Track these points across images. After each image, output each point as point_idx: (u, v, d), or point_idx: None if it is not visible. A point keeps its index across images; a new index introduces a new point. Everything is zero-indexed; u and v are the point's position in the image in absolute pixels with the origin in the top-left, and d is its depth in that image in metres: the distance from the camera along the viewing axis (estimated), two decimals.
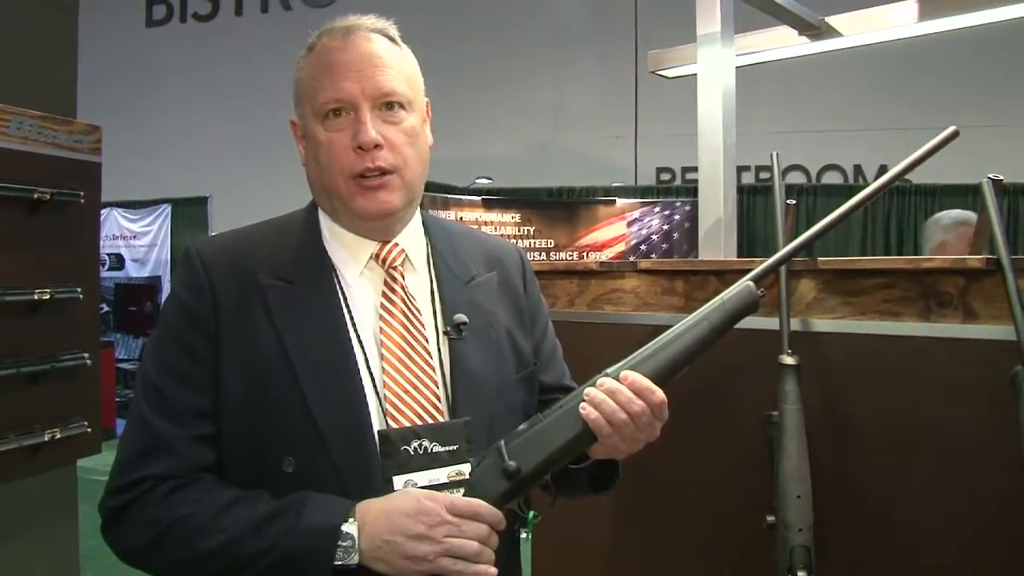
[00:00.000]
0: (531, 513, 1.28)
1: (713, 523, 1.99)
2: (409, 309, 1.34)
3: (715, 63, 2.15)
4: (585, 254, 8.86)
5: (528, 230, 9.15)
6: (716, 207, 2.09)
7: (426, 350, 1.33)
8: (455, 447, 1.29)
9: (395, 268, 1.36)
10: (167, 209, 10.63)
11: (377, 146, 1.30)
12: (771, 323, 1.84)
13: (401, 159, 1.33)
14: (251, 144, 11.17)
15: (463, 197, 9.18)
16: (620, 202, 9.20)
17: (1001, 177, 1.73)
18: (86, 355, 2.52)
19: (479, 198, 9.17)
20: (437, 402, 1.32)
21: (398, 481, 1.24)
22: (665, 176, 11.57)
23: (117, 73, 11.92)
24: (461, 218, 8.80)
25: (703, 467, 2.00)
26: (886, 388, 1.74)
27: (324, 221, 1.39)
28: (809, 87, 10.14)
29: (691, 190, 10.12)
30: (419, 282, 1.40)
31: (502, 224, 9.08)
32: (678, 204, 9.09)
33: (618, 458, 1.37)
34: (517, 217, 9.15)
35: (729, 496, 1.95)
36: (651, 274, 2.09)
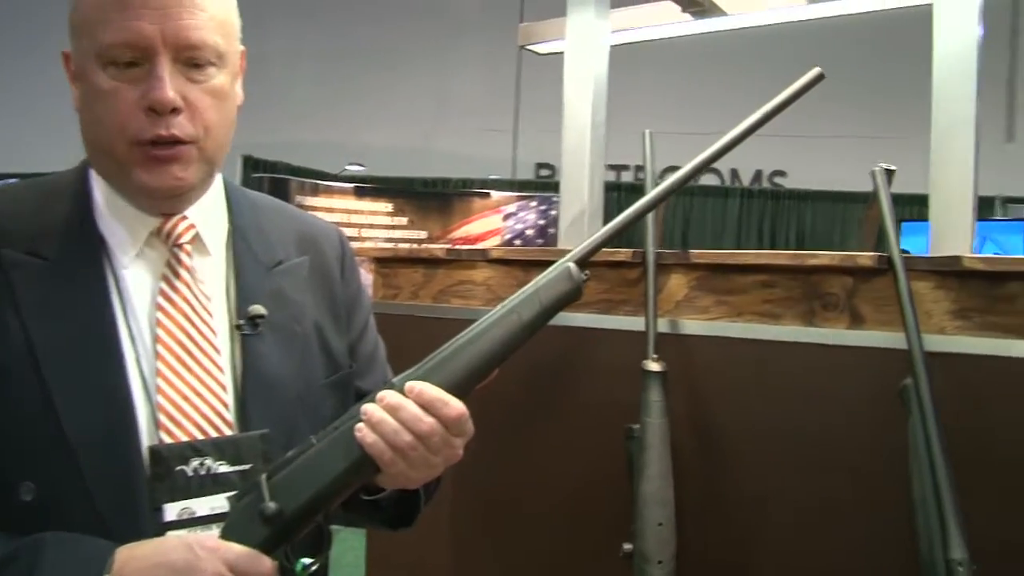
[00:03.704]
0: (299, 564, 1.04)
1: (566, 547, 1.76)
2: (195, 297, 1.14)
3: (585, 33, 1.93)
4: (459, 247, 8.68)
5: (401, 220, 9.00)
6: (579, 194, 1.88)
7: (213, 348, 1.13)
8: (247, 467, 1.09)
9: (181, 247, 1.15)
10: None
11: (175, 110, 1.06)
12: (636, 323, 1.62)
13: (202, 127, 1.09)
14: None
15: (333, 184, 8.99)
16: (496, 195, 9.09)
17: (894, 167, 1.54)
18: None
19: (350, 186, 8.99)
20: (224, 411, 1.11)
21: (171, 510, 1.04)
22: (544, 172, 11.55)
23: None
24: (331, 206, 8.58)
25: (558, 484, 1.76)
26: (764, 400, 1.53)
27: (98, 185, 1.15)
28: (690, 85, 10.20)
29: None
30: (211, 266, 1.19)
31: (374, 213, 8.94)
32: (555, 199, 8.99)
33: (411, 488, 1.15)
34: (390, 207, 9.01)
35: (586, 518, 1.72)
36: (504, 264, 1.84)
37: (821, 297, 1.51)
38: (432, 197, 9.30)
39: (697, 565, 1.51)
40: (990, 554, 1.28)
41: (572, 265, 1.06)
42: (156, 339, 1.09)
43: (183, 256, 1.14)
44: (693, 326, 1.62)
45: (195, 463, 1.06)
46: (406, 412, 1.01)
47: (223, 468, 1.08)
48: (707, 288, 1.61)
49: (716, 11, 2.25)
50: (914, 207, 9.24)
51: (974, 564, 1.25)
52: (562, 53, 2.12)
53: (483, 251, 1.88)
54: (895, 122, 8.96)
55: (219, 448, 1.08)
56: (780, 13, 2.29)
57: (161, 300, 1.11)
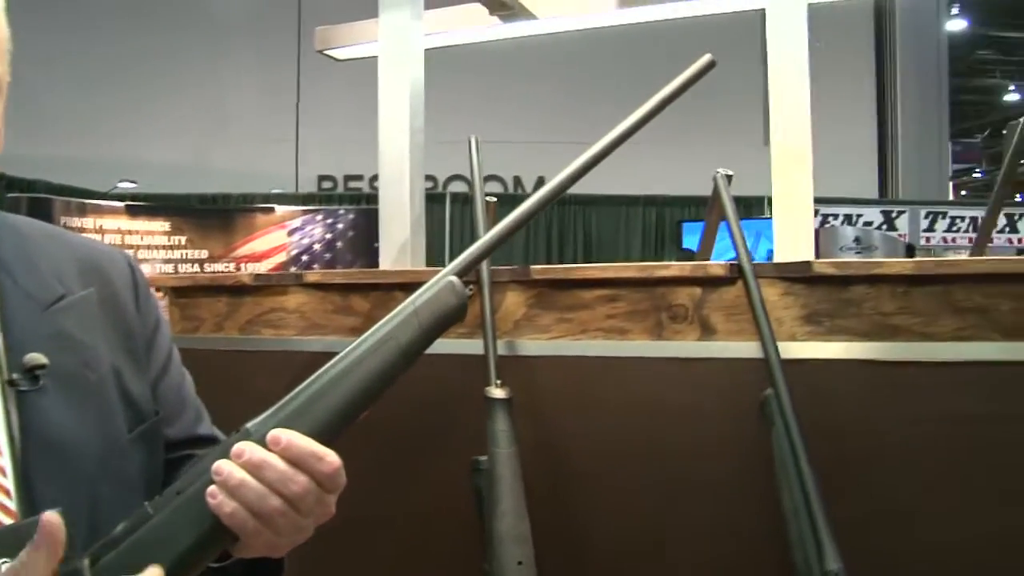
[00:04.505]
0: None
1: None
2: None
3: (400, 36, 1.81)
4: (243, 265, 8.32)
5: (179, 239, 8.59)
6: (401, 207, 1.75)
7: None
8: None
9: None
10: None
11: None
12: (475, 347, 1.49)
13: None
14: None
15: (103, 203, 8.45)
16: (280, 210, 8.80)
17: (731, 172, 1.50)
18: None
19: (122, 204, 8.47)
20: (1, 496, 0.89)
21: None
22: (327, 184, 11.33)
23: None
24: (101, 226, 8.05)
25: (405, 525, 1.61)
26: (617, 420, 1.44)
27: None
28: (501, 96, 10.24)
29: (354, 198, 9.93)
30: None
31: (149, 233, 8.49)
32: (341, 212, 8.82)
33: (276, 555, 0.95)
34: (167, 226, 8.58)
35: (438, 559, 1.57)
36: (320, 288, 1.67)
37: (669, 309, 1.44)
38: (212, 214, 8.93)
39: None
40: (859, 558, 1.24)
41: (454, 278, 0.92)
42: None
43: None
44: (535, 346, 1.50)
45: None
46: (272, 471, 0.84)
47: (7, 566, 0.86)
48: (547, 305, 1.50)
49: (526, 14, 2.16)
50: (691, 208, 9.69)
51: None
52: (363, 58, 1.98)
53: (296, 275, 1.70)
54: (674, 126, 9.32)
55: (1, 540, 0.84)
56: (589, 19, 2.24)
57: None
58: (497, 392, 1.40)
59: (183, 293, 1.85)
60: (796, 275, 1.37)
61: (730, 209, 1.42)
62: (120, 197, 8.86)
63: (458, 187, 10.17)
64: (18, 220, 1.10)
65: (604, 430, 1.45)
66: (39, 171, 8.59)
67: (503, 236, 0.96)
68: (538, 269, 1.49)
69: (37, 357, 0.95)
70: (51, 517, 0.74)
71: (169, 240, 8.52)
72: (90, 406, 0.99)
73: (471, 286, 0.94)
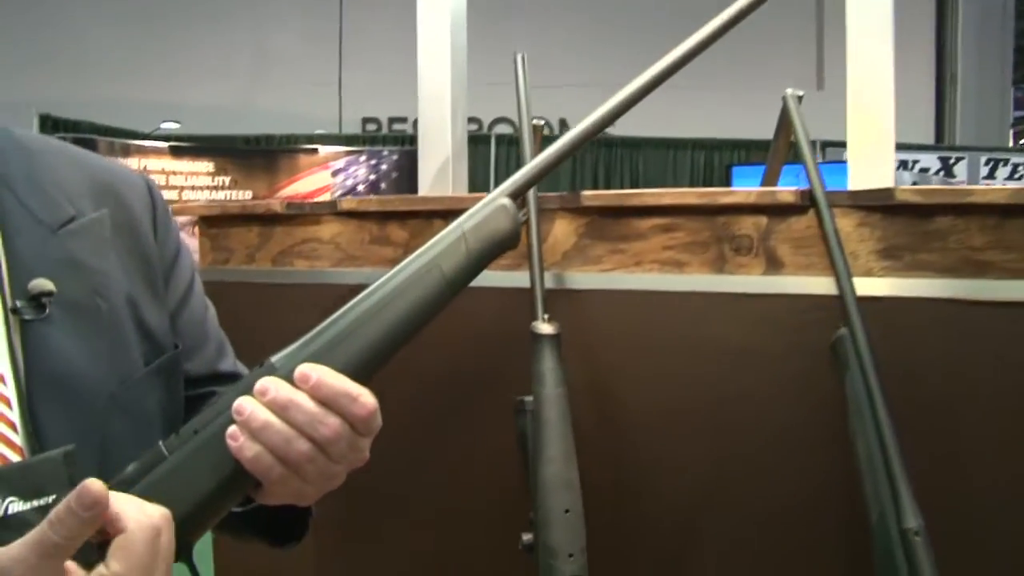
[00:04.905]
0: None
1: (457, 545, 1.52)
2: None
3: None
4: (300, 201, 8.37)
5: (223, 180, 8.60)
6: (441, 125, 1.64)
7: None
8: (50, 499, 0.77)
9: None
10: None
11: None
12: (519, 279, 1.38)
13: None
14: None
15: (147, 143, 8.47)
16: (323, 151, 8.76)
17: (802, 92, 1.36)
18: None
19: (166, 145, 8.47)
20: (7, 431, 0.83)
21: None
22: (371, 127, 11.23)
23: None
24: (145, 167, 8.04)
25: (435, 471, 1.52)
26: (672, 360, 1.33)
27: None
28: (548, 39, 10.07)
29: (398, 139, 9.83)
30: None
31: (194, 174, 8.52)
32: (385, 153, 8.76)
33: (304, 504, 0.88)
34: (211, 166, 8.59)
35: (477, 510, 1.48)
36: (356, 217, 1.57)
37: (731, 240, 1.32)
38: (256, 155, 8.92)
39: (607, 555, 1.30)
40: (939, 514, 1.13)
41: (506, 200, 0.82)
42: None
43: None
44: (585, 279, 1.39)
45: None
46: (300, 412, 0.75)
47: (16, 506, 0.77)
48: (599, 235, 1.39)
49: None
50: (741, 151, 9.49)
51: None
52: None
53: (331, 203, 1.59)
54: (724, 68, 9.08)
55: (4, 479, 0.78)
56: None
57: None
58: (544, 328, 1.29)
59: (213, 223, 1.76)
60: (875, 203, 1.25)
61: (801, 132, 1.30)
62: (164, 138, 8.88)
63: (503, 129, 10.04)
64: (26, 136, 1.02)
65: (659, 370, 1.34)
66: (84, 112, 8.61)
67: (558, 158, 0.87)
68: (589, 195, 1.38)
69: (43, 283, 0.88)
70: (94, 485, 0.67)
71: (213, 181, 8.54)
72: (101, 337, 0.91)
73: (524, 211, 0.86)
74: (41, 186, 0.95)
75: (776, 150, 1.45)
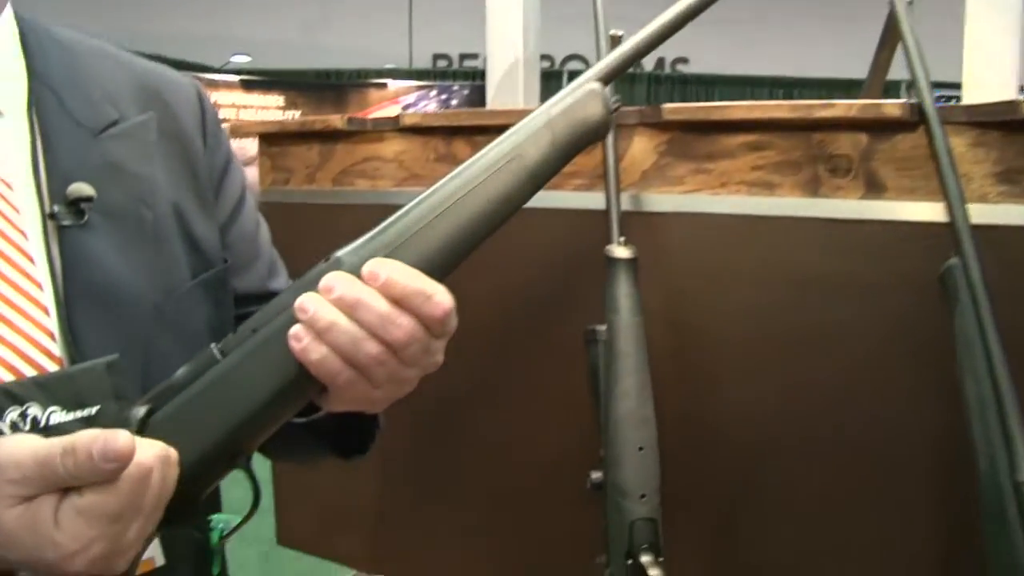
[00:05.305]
0: (215, 531, 0.80)
1: (509, 482, 1.45)
2: None
3: None
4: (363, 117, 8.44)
5: (293, 114, 8.65)
6: (512, 43, 1.51)
7: (23, 254, 0.81)
8: (93, 410, 0.74)
9: None
10: None
11: None
12: (593, 200, 1.29)
13: None
14: None
15: (217, 77, 8.55)
16: (393, 85, 8.74)
17: None
18: None
19: (236, 78, 8.54)
20: (45, 340, 0.79)
21: None
22: (442, 63, 11.14)
23: None
24: (216, 101, 8.07)
25: (499, 402, 1.45)
26: (758, 291, 1.22)
27: None
28: None
29: (468, 75, 9.74)
30: (6, 132, 0.86)
31: (264, 108, 8.63)
32: (455, 88, 8.72)
33: (372, 411, 0.83)
34: (281, 100, 8.68)
35: (537, 445, 1.41)
36: (420, 133, 1.48)
37: (828, 160, 1.20)
38: (326, 89, 8.97)
39: (675, 498, 1.21)
40: None
41: (598, 85, 0.74)
42: None
43: None
44: (665, 201, 1.29)
45: (12, 414, 0.73)
46: (370, 311, 0.69)
47: (58, 417, 0.74)
48: (681, 153, 1.28)
49: None
50: (823, 91, 9.18)
51: None
52: None
53: (394, 119, 1.50)
54: (795, 6, 8.77)
55: (46, 389, 0.74)
56: None
57: None
58: (620, 251, 1.20)
59: (273, 141, 1.69)
60: (993, 119, 1.11)
61: (911, 39, 1.16)
62: (235, 72, 8.93)
63: (575, 66, 9.87)
64: (68, 35, 0.97)
65: (743, 301, 1.24)
66: (155, 46, 8.63)
67: (656, 39, 0.79)
68: (672, 108, 1.26)
69: (82, 188, 0.84)
70: (123, 441, 0.63)
71: (283, 115, 8.61)
72: (144, 246, 0.88)
73: (617, 97, 0.78)
74: (83, 88, 0.91)
75: (878, 64, 1.32)
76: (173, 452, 0.67)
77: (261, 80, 8.75)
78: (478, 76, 9.40)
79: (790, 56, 9.62)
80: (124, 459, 0.62)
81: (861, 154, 1.18)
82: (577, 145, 0.74)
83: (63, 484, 0.63)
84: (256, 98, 8.53)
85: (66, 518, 0.62)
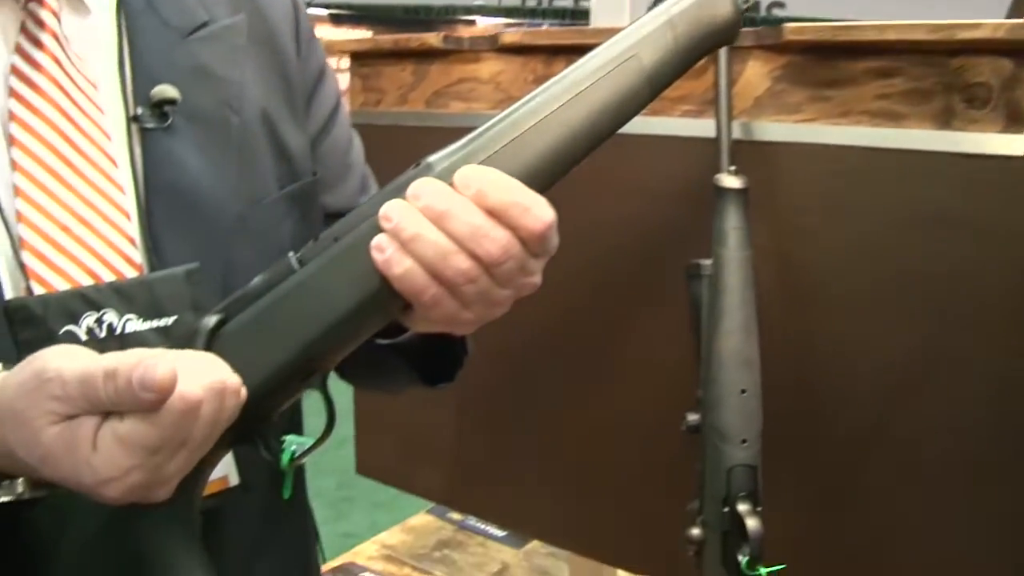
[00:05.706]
0: (287, 452, 0.68)
1: (601, 422, 1.39)
2: (70, 80, 0.78)
3: None
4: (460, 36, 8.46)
5: None
6: None
7: (105, 156, 0.78)
8: (170, 319, 0.73)
9: (42, 3, 0.78)
10: None
11: None
12: (702, 127, 1.21)
13: None
14: None
15: (307, 12, 8.51)
16: (482, 22, 8.64)
17: None
18: None
19: (325, 12, 8.53)
20: (126, 245, 0.76)
21: None
22: (531, 1, 10.98)
23: None
24: None
25: (593, 336, 1.39)
26: (879, 229, 1.13)
27: None
28: None
29: (559, 12, 9.57)
30: (93, 31, 0.83)
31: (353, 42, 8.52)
32: (546, 26, 8.53)
33: (460, 332, 0.78)
34: (370, 35, 8.55)
35: (633, 382, 1.35)
36: (519, 53, 1.41)
37: (964, 89, 1.09)
38: (415, 24, 8.90)
39: (775, 448, 1.14)
40: None
41: None
42: (10, 141, 0.74)
43: (45, 16, 0.77)
44: (779, 130, 1.20)
45: (88, 320, 0.71)
46: (461, 222, 0.62)
47: (134, 325, 0.72)
48: (799, 79, 1.19)
49: None
50: None
51: None
52: None
53: (491, 38, 1.43)
54: None
55: (124, 295, 0.72)
56: None
57: (16, 83, 0.75)
58: (730, 181, 1.12)
59: (364, 61, 1.64)
60: None
61: None
62: (323, 5, 8.91)
63: None
64: None
65: (861, 240, 1.15)
66: None
67: None
68: (794, 28, 1.17)
69: (166, 90, 0.81)
70: (165, 375, 0.58)
71: None
72: (230, 152, 0.84)
73: None
74: None
75: None
76: (233, 382, 0.61)
77: (350, 14, 8.73)
78: (567, 15, 9.25)
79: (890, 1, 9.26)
80: (162, 391, 0.57)
81: (1003, 83, 1.07)
82: (702, 47, 0.66)
83: (105, 408, 0.58)
84: (344, 32, 8.55)
85: (104, 443, 0.58)
